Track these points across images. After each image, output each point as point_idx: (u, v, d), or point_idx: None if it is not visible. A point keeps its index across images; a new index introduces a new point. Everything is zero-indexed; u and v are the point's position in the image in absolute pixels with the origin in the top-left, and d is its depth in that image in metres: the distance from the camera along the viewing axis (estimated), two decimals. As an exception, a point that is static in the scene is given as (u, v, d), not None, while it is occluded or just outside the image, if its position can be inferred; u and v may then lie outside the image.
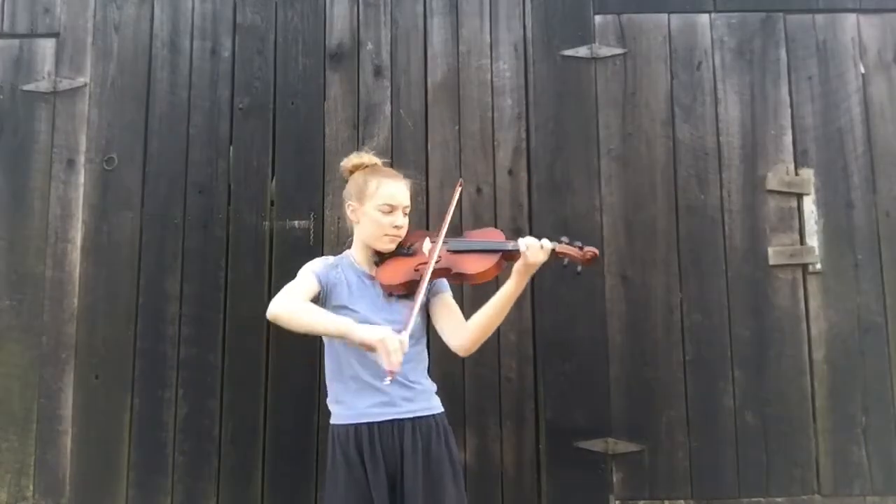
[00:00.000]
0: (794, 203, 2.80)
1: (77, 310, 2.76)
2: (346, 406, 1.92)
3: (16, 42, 2.91)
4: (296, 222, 2.79)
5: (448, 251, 1.97)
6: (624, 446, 2.68)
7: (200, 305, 2.75)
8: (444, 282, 2.05)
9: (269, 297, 2.68)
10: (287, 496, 2.66)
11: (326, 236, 2.78)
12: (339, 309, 1.93)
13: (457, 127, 2.84)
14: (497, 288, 1.93)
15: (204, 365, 2.72)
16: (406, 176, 2.10)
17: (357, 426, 1.89)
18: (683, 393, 2.70)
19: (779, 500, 2.65)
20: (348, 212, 2.04)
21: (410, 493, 1.84)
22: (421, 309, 1.97)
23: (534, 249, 1.86)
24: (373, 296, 1.97)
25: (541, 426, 2.70)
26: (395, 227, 1.98)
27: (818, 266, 2.75)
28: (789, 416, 2.69)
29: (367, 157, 2.07)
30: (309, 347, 2.71)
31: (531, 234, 2.68)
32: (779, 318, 2.73)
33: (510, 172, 2.81)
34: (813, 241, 2.76)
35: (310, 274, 1.96)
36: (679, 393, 2.70)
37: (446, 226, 1.98)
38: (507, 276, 1.91)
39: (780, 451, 2.67)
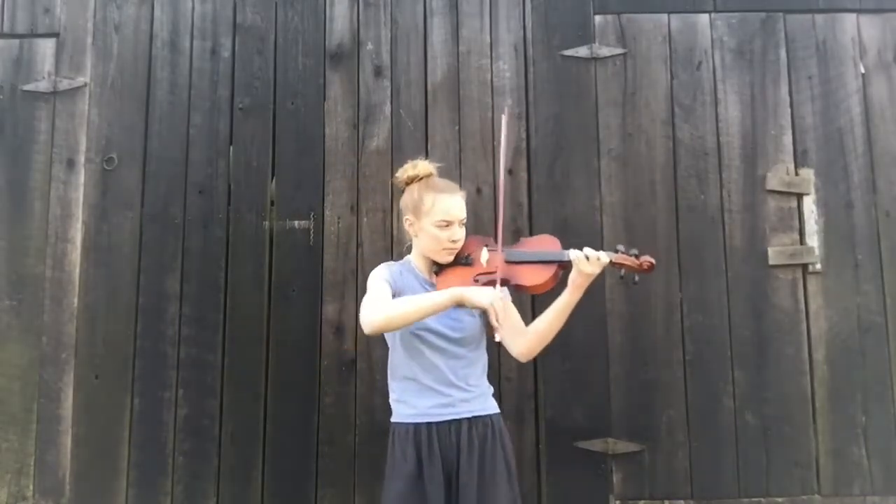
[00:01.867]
0: (794, 203, 2.80)
1: (77, 310, 2.76)
2: (408, 405, 1.99)
3: (16, 42, 2.91)
4: (296, 222, 2.79)
5: (506, 262, 2.00)
6: (624, 446, 2.68)
7: (200, 305, 2.75)
8: (504, 288, 2.06)
9: (270, 297, 2.75)
10: (287, 496, 2.66)
11: (326, 236, 2.77)
12: None
13: (457, 127, 2.84)
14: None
15: (204, 365, 2.72)
16: (461, 187, 2.11)
17: (417, 425, 1.95)
18: (683, 393, 2.70)
19: (779, 500, 2.65)
20: (406, 225, 2.08)
21: (465, 488, 1.89)
22: (480, 315, 2.04)
23: (585, 262, 1.93)
24: None
25: (541, 426, 2.70)
26: (453, 241, 2.02)
27: (818, 266, 2.75)
28: (789, 416, 2.69)
29: (422, 168, 2.07)
30: (309, 347, 2.72)
31: (531, 233, 2.72)
32: (779, 318, 2.73)
33: (510, 172, 2.81)
34: (813, 241, 2.76)
35: (382, 282, 1.99)
36: (679, 393, 2.70)
37: (501, 235, 2.00)
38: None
39: (780, 451, 2.67)
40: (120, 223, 2.80)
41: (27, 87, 2.88)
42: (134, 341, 2.74)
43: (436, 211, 1.99)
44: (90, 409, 2.72)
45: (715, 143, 2.83)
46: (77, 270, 2.78)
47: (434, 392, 1.96)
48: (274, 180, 2.82)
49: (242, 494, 2.67)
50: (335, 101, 2.86)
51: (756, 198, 2.79)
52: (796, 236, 2.78)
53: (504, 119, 2.10)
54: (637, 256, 1.95)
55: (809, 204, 2.79)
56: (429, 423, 1.94)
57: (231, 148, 2.84)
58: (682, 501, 2.66)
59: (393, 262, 2.12)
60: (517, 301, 2.15)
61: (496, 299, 1.83)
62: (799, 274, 2.76)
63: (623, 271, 1.98)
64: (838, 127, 2.83)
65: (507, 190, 2.80)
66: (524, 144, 2.83)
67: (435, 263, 2.07)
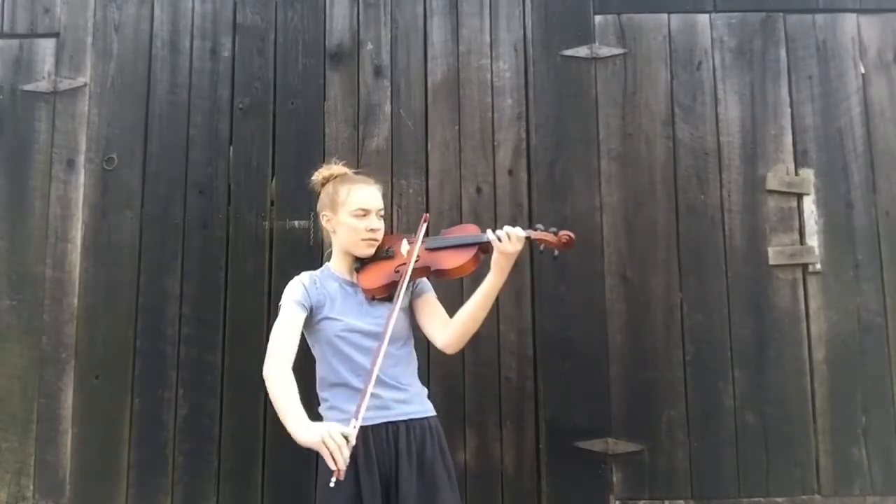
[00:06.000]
0: (794, 203, 2.80)
1: (77, 310, 2.76)
2: (340, 411, 1.91)
3: (16, 42, 2.91)
4: (296, 222, 2.79)
5: (426, 249, 2.01)
6: (624, 446, 2.68)
7: (200, 305, 2.75)
8: (426, 282, 2.08)
9: (270, 297, 2.75)
10: (287, 496, 2.66)
11: (326, 236, 2.77)
12: (326, 321, 1.96)
13: (457, 127, 2.84)
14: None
15: (204, 365, 2.72)
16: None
17: None
18: (683, 393, 2.70)
19: (779, 500, 2.65)
20: (323, 222, 2.07)
21: (406, 496, 1.83)
22: (406, 311, 2.01)
23: (503, 241, 1.88)
24: (356, 302, 2.00)
25: (541, 426, 2.70)
26: (371, 230, 2.01)
27: (818, 266, 2.75)
28: (789, 416, 2.69)
29: (336, 168, 2.11)
30: (309, 347, 2.72)
31: (531, 233, 2.71)
32: (779, 318, 2.73)
33: (510, 172, 2.81)
34: (813, 241, 2.76)
35: (292, 306, 1.94)
36: (679, 393, 2.70)
37: (423, 226, 2.01)
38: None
39: (780, 451, 2.67)
40: (120, 223, 2.80)
41: (27, 87, 2.88)
42: (134, 341, 2.74)
43: (351, 201, 2.00)
44: (90, 409, 2.72)
45: (715, 143, 2.83)
46: (77, 270, 2.78)
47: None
48: (274, 180, 2.82)
49: (242, 494, 2.67)
50: (335, 101, 2.86)
51: (756, 198, 2.79)
52: (796, 236, 2.78)
53: (423, 225, 2.04)
54: (555, 233, 1.90)
55: (809, 204, 2.79)
56: (363, 428, 1.80)
57: (231, 148, 2.84)
58: (682, 501, 2.66)
59: (307, 273, 2.06)
60: (451, 288, 2.11)
61: (329, 437, 1.67)
62: (799, 274, 2.76)
63: (543, 246, 1.93)
64: (838, 127, 2.83)
65: (507, 190, 2.81)
66: (524, 144, 2.83)
67: (357, 260, 2.06)
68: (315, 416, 1.98)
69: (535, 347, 2.72)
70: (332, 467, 1.66)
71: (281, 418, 1.81)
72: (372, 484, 1.83)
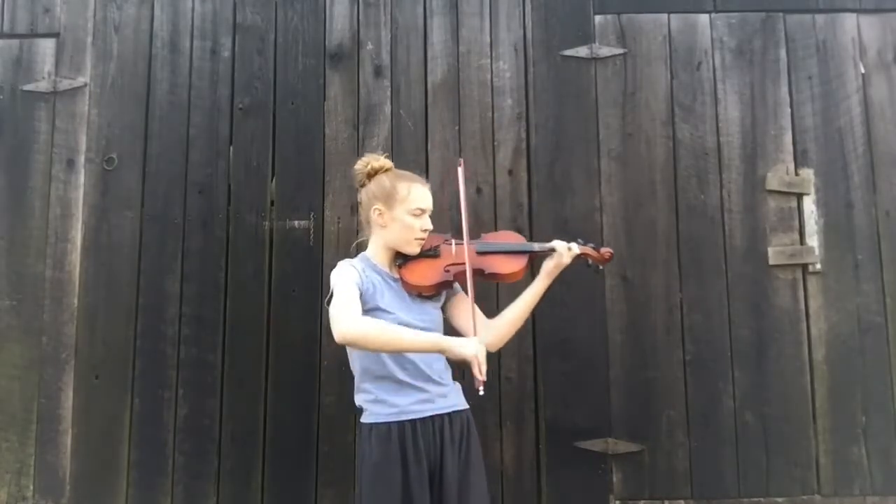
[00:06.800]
0: (794, 203, 2.80)
1: (77, 310, 2.76)
2: (387, 404, 1.95)
3: (16, 42, 2.91)
4: (296, 222, 2.79)
5: (476, 253, 2.07)
6: (624, 446, 2.68)
7: (200, 305, 2.75)
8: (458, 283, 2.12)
9: (270, 297, 2.75)
10: (287, 496, 2.66)
11: (326, 236, 2.77)
12: (378, 311, 1.95)
13: (457, 127, 2.84)
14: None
15: (204, 365, 2.72)
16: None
17: (400, 424, 1.92)
18: (683, 393, 2.70)
19: (779, 500, 2.65)
20: (374, 216, 2.04)
21: (449, 486, 1.90)
22: (439, 309, 2.08)
23: (564, 253, 2.07)
24: (401, 296, 2.02)
25: (541, 426, 2.70)
26: (424, 230, 2.04)
27: (818, 266, 2.75)
28: (789, 416, 2.69)
29: (384, 161, 2.10)
30: (309, 347, 2.72)
31: (531, 233, 2.72)
32: (779, 318, 2.73)
33: (510, 172, 2.81)
34: (813, 241, 2.76)
35: (352, 285, 1.92)
36: (679, 393, 2.70)
37: (467, 225, 2.04)
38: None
39: (780, 451, 2.67)
40: (120, 223, 2.80)
41: (27, 87, 2.88)
42: (134, 341, 2.74)
43: (412, 199, 2.01)
44: (90, 409, 2.72)
45: (715, 143, 2.83)
46: (77, 270, 2.78)
47: (413, 388, 1.94)
48: (274, 180, 2.82)
49: (242, 494, 2.67)
50: (335, 101, 2.86)
51: (756, 198, 2.79)
52: (796, 236, 2.78)
53: (459, 171, 2.09)
54: (597, 249, 2.15)
55: (809, 204, 2.79)
56: (412, 421, 1.92)
57: (231, 148, 2.84)
58: (682, 501, 2.66)
59: (352, 259, 2.05)
60: (484, 291, 2.17)
61: (480, 351, 1.84)
62: (799, 274, 2.76)
63: (590, 261, 2.15)
64: (838, 127, 2.83)
65: (507, 190, 2.81)
66: (524, 144, 2.83)
67: (399, 256, 2.07)
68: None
69: (535, 347, 2.72)
70: (481, 378, 1.82)
71: (417, 348, 1.89)
72: (420, 474, 1.89)
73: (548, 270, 2.09)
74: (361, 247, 2.18)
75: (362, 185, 2.09)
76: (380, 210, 2.03)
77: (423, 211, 2.03)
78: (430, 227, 2.06)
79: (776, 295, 2.74)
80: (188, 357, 2.73)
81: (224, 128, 2.85)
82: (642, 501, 2.67)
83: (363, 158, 2.11)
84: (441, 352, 1.88)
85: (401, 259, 2.07)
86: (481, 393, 1.83)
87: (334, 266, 1.97)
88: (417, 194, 2.03)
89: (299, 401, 2.69)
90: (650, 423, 2.69)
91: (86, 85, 2.88)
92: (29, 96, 2.87)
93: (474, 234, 2.18)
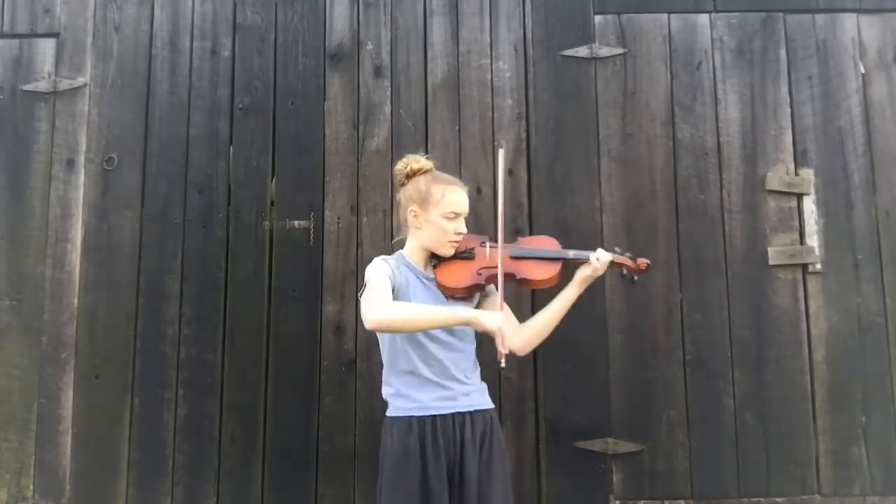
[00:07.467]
0: (794, 203, 2.80)
1: (77, 310, 2.76)
2: (409, 399, 1.98)
3: (16, 42, 2.91)
4: (296, 222, 2.79)
5: (510, 257, 2.08)
6: (624, 446, 2.67)
7: (200, 305, 2.75)
8: (492, 285, 2.12)
9: (270, 297, 2.75)
10: (287, 496, 2.66)
11: (326, 236, 2.77)
12: None
13: (457, 127, 2.84)
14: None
15: (204, 365, 2.72)
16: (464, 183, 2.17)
17: (420, 419, 1.95)
18: (683, 393, 2.70)
19: (779, 500, 2.65)
20: (410, 217, 2.08)
21: (468, 483, 1.91)
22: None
23: (597, 261, 2.07)
24: (434, 296, 2.04)
25: (541, 426, 2.70)
26: (458, 233, 2.06)
27: (818, 266, 2.75)
28: (789, 416, 2.69)
29: (424, 162, 2.11)
30: (309, 347, 2.72)
31: (531, 234, 2.72)
32: (779, 318, 2.73)
33: (510, 172, 2.81)
34: (813, 241, 2.76)
35: (385, 278, 1.97)
36: (679, 393, 2.70)
37: (502, 229, 2.04)
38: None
39: (780, 451, 2.67)
40: (120, 223, 2.80)
41: (27, 87, 2.88)
42: (134, 341, 2.74)
43: (446, 202, 2.04)
44: (90, 409, 2.72)
45: (715, 143, 2.83)
46: (77, 270, 2.78)
47: (435, 385, 1.97)
48: (274, 180, 2.82)
49: (242, 494, 2.67)
50: (335, 101, 2.86)
51: (756, 198, 2.79)
52: (796, 236, 2.78)
53: (500, 153, 2.12)
54: (634, 259, 2.12)
55: (809, 204, 2.79)
56: (433, 416, 1.95)
57: (231, 148, 2.84)
58: (682, 501, 2.66)
59: (387, 256, 2.09)
60: (515, 295, 2.16)
61: (504, 324, 1.89)
62: (799, 274, 2.76)
63: (624, 270, 2.13)
64: (838, 127, 2.83)
65: (508, 190, 2.80)
66: (524, 144, 2.83)
67: (434, 257, 2.09)
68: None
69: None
70: (504, 350, 1.88)
71: (450, 321, 1.94)
72: (438, 470, 1.91)
73: (582, 278, 2.10)
74: (398, 245, 2.19)
75: (402, 186, 2.12)
76: (415, 212, 2.06)
77: (458, 214, 2.05)
78: (465, 230, 2.07)
79: (776, 295, 2.74)
80: (188, 357, 2.73)
81: (224, 128, 2.85)
82: (642, 501, 2.67)
83: (404, 159, 2.13)
84: (467, 323, 1.92)
85: (435, 260, 2.10)
86: (503, 365, 1.88)
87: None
88: (452, 198, 2.05)
89: (299, 401, 2.69)
90: (650, 423, 2.69)
91: (86, 85, 2.88)
92: (29, 96, 2.87)
93: (512, 240, 2.21)
